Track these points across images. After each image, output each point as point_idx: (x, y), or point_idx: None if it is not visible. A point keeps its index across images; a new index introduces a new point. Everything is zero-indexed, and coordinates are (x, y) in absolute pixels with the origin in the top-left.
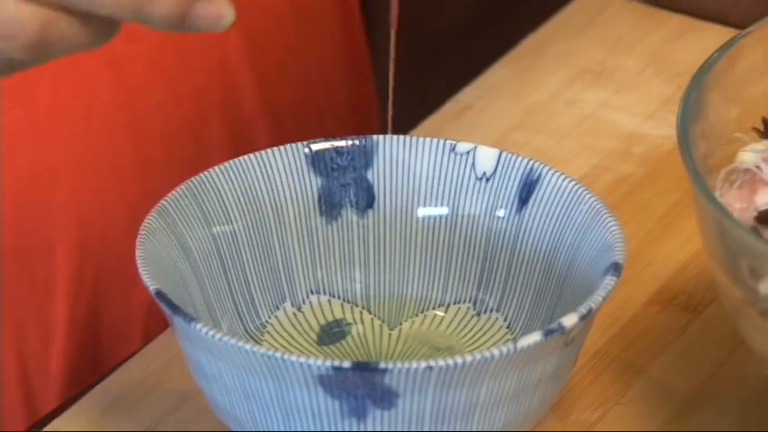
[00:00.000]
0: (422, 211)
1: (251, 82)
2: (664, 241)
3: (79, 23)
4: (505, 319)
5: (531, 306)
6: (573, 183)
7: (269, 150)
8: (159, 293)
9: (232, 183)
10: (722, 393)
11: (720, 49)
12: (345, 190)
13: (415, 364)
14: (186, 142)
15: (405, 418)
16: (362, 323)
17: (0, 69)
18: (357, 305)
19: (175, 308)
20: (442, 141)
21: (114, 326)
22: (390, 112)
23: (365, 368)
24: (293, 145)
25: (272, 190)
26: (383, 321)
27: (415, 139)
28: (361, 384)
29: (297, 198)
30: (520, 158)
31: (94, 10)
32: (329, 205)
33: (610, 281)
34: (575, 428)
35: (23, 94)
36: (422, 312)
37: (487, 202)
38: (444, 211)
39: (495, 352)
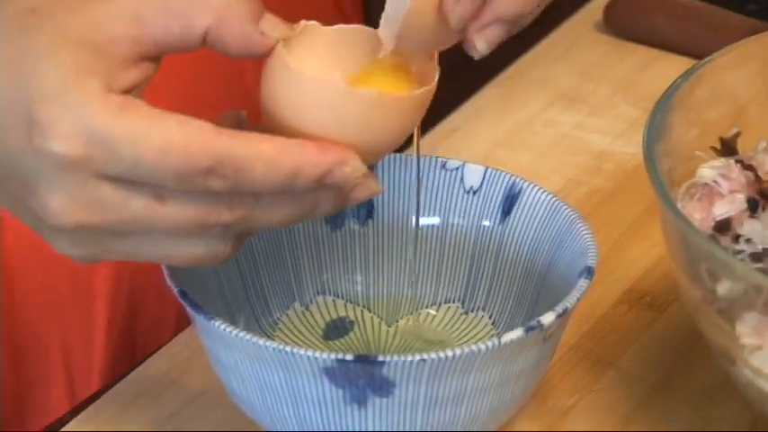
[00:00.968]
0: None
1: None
2: (631, 247)
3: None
4: (490, 317)
5: (514, 305)
6: (550, 195)
7: None
8: (183, 294)
9: None
10: (683, 383)
11: (681, 76)
12: None
13: (409, 357)
14: None
15: (401, 405)
16: (363, 320)
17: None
18: (358, 304)
19: (197, 307)
20: (433, 159)
21: (149, 324)
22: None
23: (365, 361)
24: None
25: None
26: (381, 319)
27: (409, 156)
28: (362, 375)
29: None
30: (503, 174)
31: (261, 230)
32: (333, 216)
33: (583, 283)
34: (553, 413)
35: None
36: (416, 311)
37: (474, 213)
38: (436, 220)
39: (482, 346)
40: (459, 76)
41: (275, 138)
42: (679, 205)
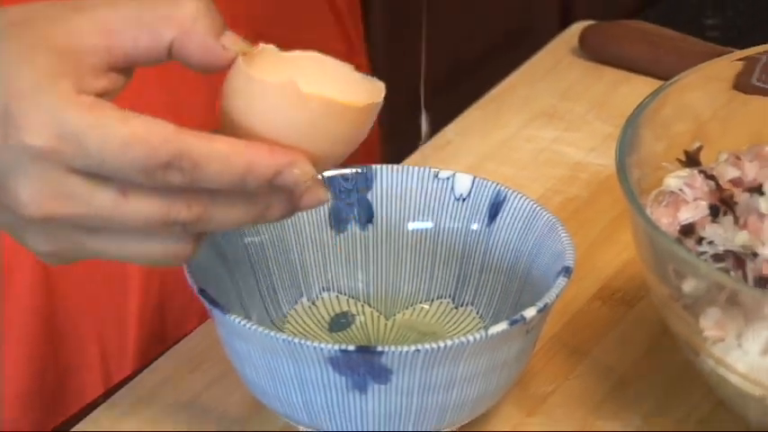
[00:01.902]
0: (411, 225)
1: None
2: (604, 249)
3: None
4: (478, 312)
5: (499, 301)
6: (532, 202)
7: None
8: (201, 291)
9: None
10: (651, 371)
11: (650, 96)
12: (350, 208)
13: (405, 348)
14: None
15: (397, 391)
16: (364, 314)
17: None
18: (360, 300)
19: (215, 302)
20: (427, 169)
21: (177, 316)
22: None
23: (366, 351)
24: None
25: None
26: (380, 313)
27: (405, 167)
28: (363, 364)
29: (311, 215)
30: (489, 183)
31: (214, 230)
32: (337, 220)
33: (562, 281)
34: (534, 399)
35: None
36: (411, 306)
37: (463, 218)
38: (429, 225)
39: (470, 338)
40: (450, 97)
41: (227, 138)
42: (648, 211)
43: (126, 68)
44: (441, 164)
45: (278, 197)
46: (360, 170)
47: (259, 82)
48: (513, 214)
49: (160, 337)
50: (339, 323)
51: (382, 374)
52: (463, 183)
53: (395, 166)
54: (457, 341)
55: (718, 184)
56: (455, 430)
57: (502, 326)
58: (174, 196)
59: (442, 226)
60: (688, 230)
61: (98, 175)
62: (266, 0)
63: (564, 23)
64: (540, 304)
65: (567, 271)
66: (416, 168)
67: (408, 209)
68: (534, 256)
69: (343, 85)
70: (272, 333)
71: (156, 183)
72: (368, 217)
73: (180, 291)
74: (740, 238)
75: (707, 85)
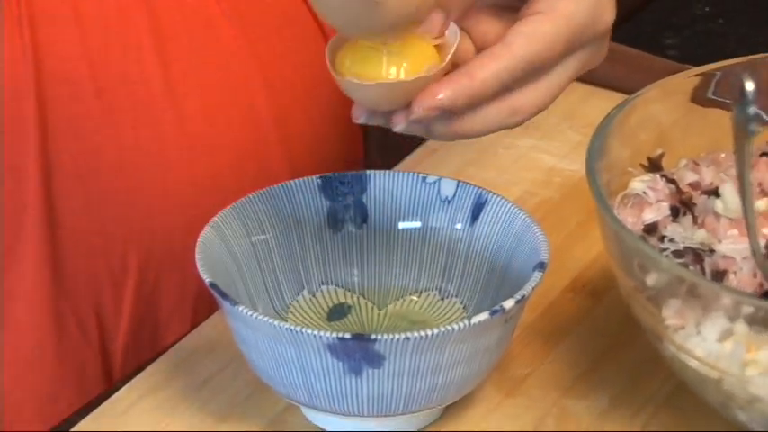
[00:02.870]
0: (402, 225)
1: (275, 139)
2: (576, 246)
3: None
4: (462, 303)
5: (481, 293)
6: (510, 204)
7: (292, 182)
8: (212, 284)
9: (266, 204)
10: (618, 356)
11: (616, 107)
12: (347, 210)
13: (397, 335)
14: (230, 187)
15: (390, 375)
16: (359, 305)
17: None
18: (355, 292)
19: (224, 294)
20: (415, 175)
21: (169, 309)
22: None
23: (361, 338)
24: (309, 178)
25: (294, 210)
26: (374, 304)
27: (396, 173)
28: (358, 350)
29: (312, 215)
30: (472, 187)
31: None
32: (335, 221)
33: (537, 275)
34: (512, 381)
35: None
36: (402, 297)
37: (449, 218)
38: (418, 224)
39: (455, 326)
40: None
41: None
42: (615, 212)
43: None
44: (428, 169)
45: None
46: (355, 175)
47: None
48: (493, 215)
49: (152, 331)
50: (337, 313)
51: (375, 360)
52: (448, 186)
53: (387, 172)
54: (443, 329)
55: (678, 188)
56: (440, 412)
57: (483, 315)
58: None
59: (429, 225)
60: (651, 229)
61: None
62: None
63: None
64: (518, 296)
65: (541, 266)
66: (406, 174)
67: (399, 210)
68: (512, 252)
69: None
70: (277, 322)
71: None
72: (362, 217)
73: (170, 293)
74: (698, 236)
75: (667, 99)
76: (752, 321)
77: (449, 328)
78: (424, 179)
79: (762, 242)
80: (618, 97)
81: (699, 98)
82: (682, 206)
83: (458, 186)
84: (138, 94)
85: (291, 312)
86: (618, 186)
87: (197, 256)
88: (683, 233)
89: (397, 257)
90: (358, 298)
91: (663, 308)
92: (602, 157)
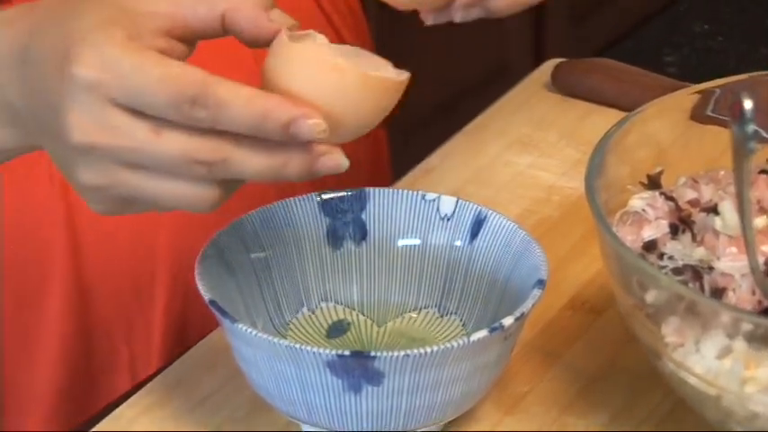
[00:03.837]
0: (401, 242)
1: None
2: (575, 264)
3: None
4: (461, 320)
5: (480, 310)
6: (509, 221)
7: (291, 200)
8: (212, 302)
9: (265, 222)
10: (617, 373)
11: (615, 125)
12: (346, 227)
13: (396, 353)
14: (248, 201)
15: (389, 392)
16: (359, 322)
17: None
18: (355, 309)
19: (224, 312)
20: (414, 192)
21: (198, 324)
22: None
23: (360, 355)
24: (309, 195)
25: (294, 227)
26: (373, 321)
27: (396, 190)
28: (357, 367)
29: (311, 232)
30: (471, 204)
31: (237, 177)
32: (334, 238)
33: (536, 292)
34: (511, 399)
35: None
36: (401, 314)
37: (448, 236)
38: (417, 241)
39: (454, 343)
40: (436, 126)
41: (257, 89)
42: (614, 229)
43: (187, 39)
44: (427, 187)
45: (297, 153)
46: (354, 192)
47: (295, 46)
48: (492, 232)
49: (183, 342)
50: (336, 330)
51: (375, 377)
52: (447, 204)
53: (386, 189)
54: (442, 347)
55: (677, 205)
56: (440, 429)
57: (483, 333)
58: (200, 136)
59: (428, 243)
60: (650, 246)
61: (136, 111)
62: None
63: (537, 61)
64: (517, 313)
65: (541, 283)
66: (405, 191)
67: (398, 227)
68: (512, 269)
69: (375, 67)
70: (276, 340)
71: (184, 118)
72: (362, 234)
73: (200, 304)
74: (697, 254)
75: (667, 116)
76: (751, 338)
77: (448, 345)
78: (423, 197)
79: (761, 259)
80: (617, 115)
81: (698, 116)
82: (681, 223)
83: (457, 204)
84: None
85: (291, 329)
86: (617, 204)
87: (196, 273)
88: (682, 250)
89: (397, 275)
90: (357, 315)
91: (662, 325)
92: (602, 175)
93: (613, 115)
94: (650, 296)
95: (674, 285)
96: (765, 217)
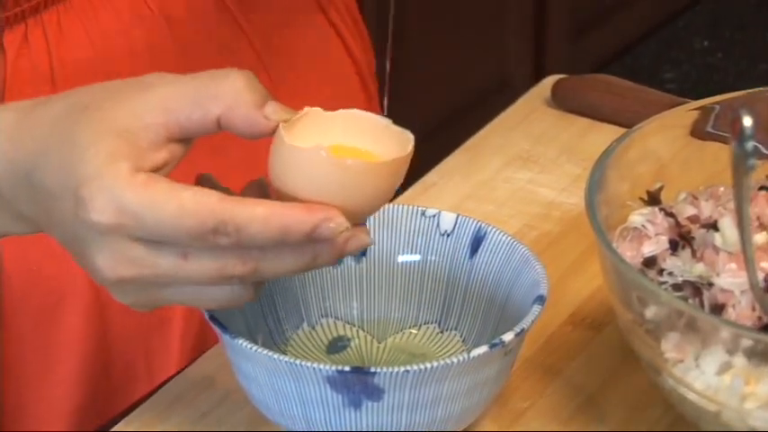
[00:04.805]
0: (401, 258)
1: None
2: (575, 279)
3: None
4: (461, 336)
5: (480, 326)
6: (509, 237)
7: None
8: (212, 317)
9: None
10: (617, 389)
11: (616, 141)
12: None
13: (396, 369)
14: None
15: (389, 408)
16: (359, 338)
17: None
18: (355, 325)
19: (224, 327)
20: (415, 208)
21: (216, 338)
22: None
23: (360, 371)
24: None
25: None
26: (373, 337)
27: (395, 206)
28: (358, 383)
29: None
30: (471, 220)
31: (273, 278)
32: None
33: (537, 308)
34: (511, 414)
35: None
36: (401, 330)
37: (448, 252)
38: (417, 257)
39: (454, 359)
40: (436, 142)
41: (268, 201)
42: (614, 245)
43: (184, 139)
44: (427, 203)
45: (322, 246)
46: None
47: (293, 148)
48: (492, 248)
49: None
50: (336, 346)
51: (375, 393)
52: (447, 220)
53: (386, 205)
54: (442, 363)
55: (677, 221)
56: None
57: (483, 349)
58: (227, 255)
59: (428, 259)
60: (650, 262)
61: (159, 243)
62: (297, 61)
63: (537, 77)
64: (517, 329)
65: (541, 299)
66: (405, 207)
67: (398, 243)
68: (512, 285)
69: (378, 138)
70: (276, 356)
71: (209, 245)
72: (361, 251)
73: None
74: (697, 270)
75: (666, 132)
76: (751, 354)
77: (448, 361)
78: (423, 212)
79: (760, 276)
80: (617, 131)
81: (698, 132)
82: (681, 239)
83: (457, 220)
84: None
85: (291, 345)
86: (617, 220)
87: None
88: (681, 266)
89: (397, 291)
90: (357, 331)
91: (662, 341)
92: (602, 191)
93: (613, 131)
94: (650, 312)
95: (673, 301)
96: (765, 233)
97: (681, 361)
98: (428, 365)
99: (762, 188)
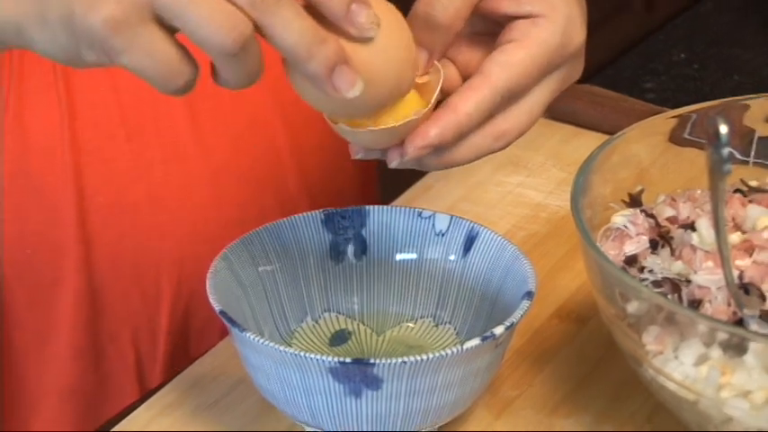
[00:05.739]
0: (399, 256)
1: (294, 171)
2: (561, 276)
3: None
4: (455, 329)
5: (472, 320)
6: (500, 237)
7: (297, 216)
8: (222, 312)
9: (272, 237)
10: (601, 379)
11: (599, 147)
12: (347, 242)
13: (394, 360)
14: (252, 216)
15: (387, 396)
16: (359, 331)
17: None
18: (355, 319)
19: (233, 321)
20: (412, 210)
21: (199, 331)
22: None
23: (361, 362)
24: (313, 213)
25: (299, 242)
26: (373, 330)
27: (394, 208)
28: (358, 373)
29: (315, 248)
30: (464, 221)
31: (276, 36)
32: (336, 252)
33: (525, 303)
34: (501, 402)
35: None
36: (399, 324)
37: (443, 250)
38: (414, 256)
39: (449, 351)
40: None
41: None
42: (598, 244)
43: None
44: (423, 205)
45: (335, 41)
46: (355, 210)
47: None
48: (484, 247)
49: (184, 348)
50: (338, 339)
51: (374, 382)
52: (442, 221)
53: (385, 207)
54: (437, 354)
55: (657, 222)
56: (435, 430)
57: (475, 341)
58: None
59: (424, 257)
60: (632, 261)
61: None
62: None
63: None
64: (508, 323)
65: (529, 294)
66: (403, 209)
67: (396, 242)
68: (502, 281)
69: None
70: (282, 348)
71: None
72: (362, 249)
73: (202, 309)
74: (676, 268)
75: (647, 139)
76: (726, 347)
77: (443, 352)
78: (419, 214)
79: (735, 273)
80: (600, 137)
81: (676, 138)
82: (660, 239)
83: (451, 221)
84: (167, 135)
85: (296, 338)
86: (600, 220)
87: (208, 285)
88: (661, 264)
89: (395, 287)
90: (358, 324)
91: (643, 334)
92: (586, 194)
93: (596, 138)
94: (632, 307)
95: (653, 297)
96: (739, 233)
97: (660, 353)
98: (424, 357)
99: (736, 191)
